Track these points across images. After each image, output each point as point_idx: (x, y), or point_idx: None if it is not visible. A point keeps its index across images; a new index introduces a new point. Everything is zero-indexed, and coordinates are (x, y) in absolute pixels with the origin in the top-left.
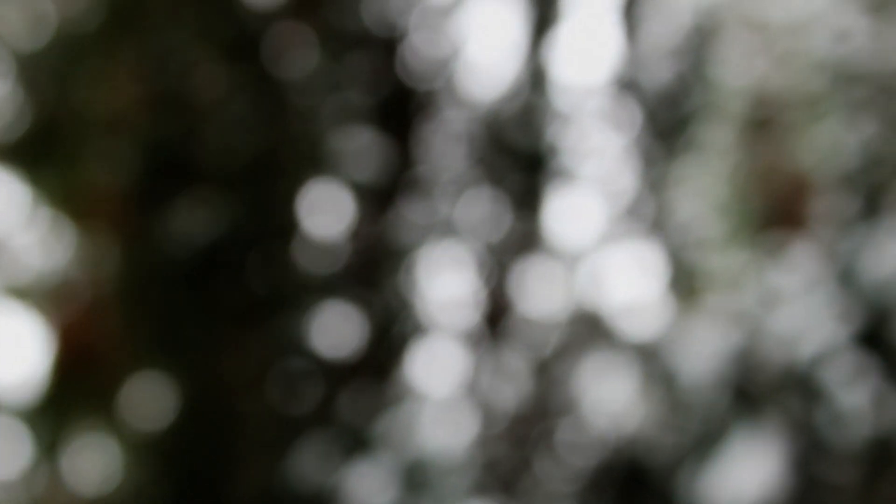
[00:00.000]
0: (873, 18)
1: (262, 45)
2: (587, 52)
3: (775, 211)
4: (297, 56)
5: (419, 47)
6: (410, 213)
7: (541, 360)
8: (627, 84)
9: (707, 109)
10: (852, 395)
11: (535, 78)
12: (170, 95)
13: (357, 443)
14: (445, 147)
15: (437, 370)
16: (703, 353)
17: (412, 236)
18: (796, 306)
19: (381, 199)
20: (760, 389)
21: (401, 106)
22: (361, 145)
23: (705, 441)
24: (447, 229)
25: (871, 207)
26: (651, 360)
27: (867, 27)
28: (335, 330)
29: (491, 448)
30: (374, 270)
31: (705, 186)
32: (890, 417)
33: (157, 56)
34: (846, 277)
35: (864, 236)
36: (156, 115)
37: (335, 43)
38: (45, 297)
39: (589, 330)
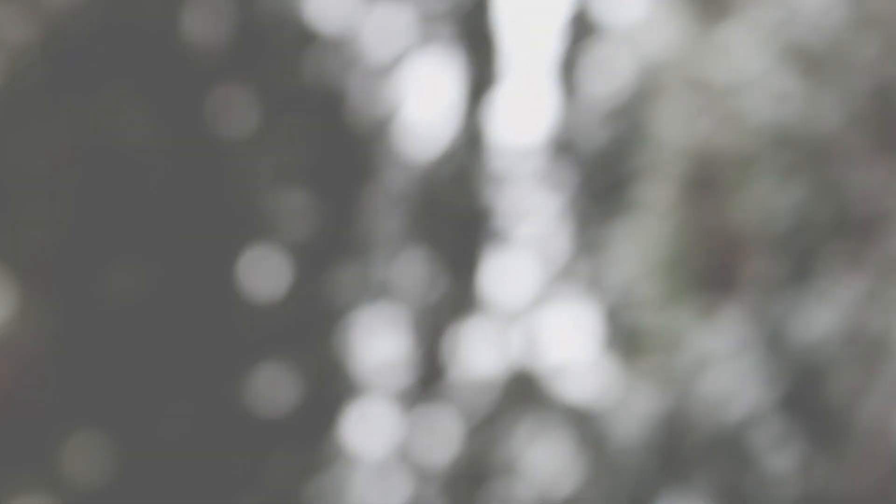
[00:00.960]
0: (809, 83)
1: (201, 105)
2: (524, 114)
3: (711, 272)
4: (236, 116)
5: (358, 108)
6: (346, 274)
7: (476, 421)
8: (564, 145)
9: (646, 169)
10: (780, 459)
11: (472, 139)
12: (106, 154)
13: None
14: (382, 207)
15: (371, 431)
16: (635, 415)
17: (347, 297)
18: (726, 369)
19: (317, 260)
20: (689, 452)
21: (338, 166)
22: (298, 206)
23: (628, 501)
24: (382, 290)
25: (801, 271)
26: (584, 422)
27: (803, 92)
28: (269, 391)
29: None
30: (310, 331)
31: (642, 247)
32: (817, 480)
33: (94, 114)
34: (775, 341)
35: (794, 300)
36: (91, 173)
37: (274, 103)
38: None
39: (524, 391)
